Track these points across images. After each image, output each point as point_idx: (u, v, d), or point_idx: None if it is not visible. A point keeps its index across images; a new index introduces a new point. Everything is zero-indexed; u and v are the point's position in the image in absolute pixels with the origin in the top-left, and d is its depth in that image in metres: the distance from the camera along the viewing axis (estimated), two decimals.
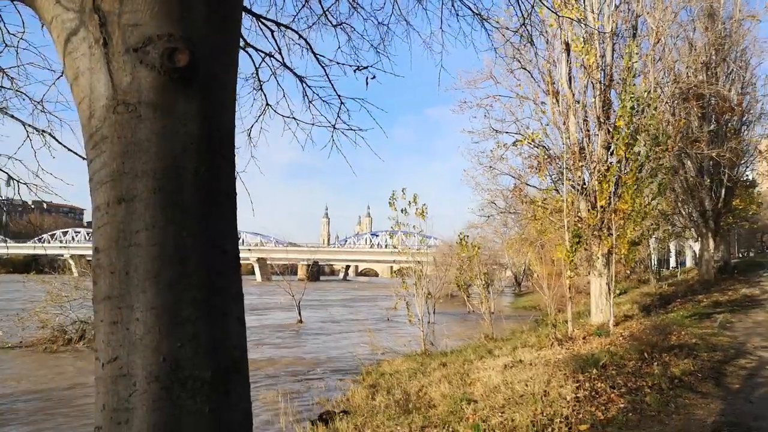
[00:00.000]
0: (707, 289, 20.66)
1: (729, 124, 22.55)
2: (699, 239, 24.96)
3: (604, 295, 14.21)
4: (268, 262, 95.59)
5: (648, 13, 15.50)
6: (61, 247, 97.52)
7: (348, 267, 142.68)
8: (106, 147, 1.70)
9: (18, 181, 3.82)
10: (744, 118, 23.24)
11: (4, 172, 3.70)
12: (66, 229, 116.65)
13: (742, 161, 24.00)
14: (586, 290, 20.66)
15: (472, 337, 17.71)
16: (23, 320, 19.62)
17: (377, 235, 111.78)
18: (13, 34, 3.65)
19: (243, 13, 2.36)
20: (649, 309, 17.04)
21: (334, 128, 4.92)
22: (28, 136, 3.68)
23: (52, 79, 3.61)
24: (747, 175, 27.12)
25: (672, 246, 40.45)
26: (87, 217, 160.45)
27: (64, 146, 3.49)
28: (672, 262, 44.87)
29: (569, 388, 7.98)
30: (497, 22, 5.73)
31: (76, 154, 3.18)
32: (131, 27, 1.70)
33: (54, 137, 3.65)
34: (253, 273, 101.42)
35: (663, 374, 8.46)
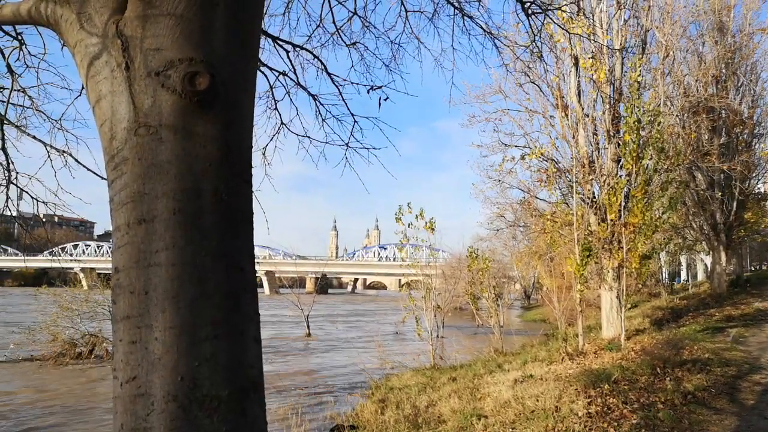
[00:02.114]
0: (719, 303, 20.46)
1: (740, 137, 22.44)
2: (710, 252, 24.77)
3: (615, 309, 14.10)
4: (276, 275, 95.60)
5: (657, 28, 15.55)
6: (71, 260, 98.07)
7: (356, 280, 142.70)
8: (127, 168, 1.73)
9: (36, 200, 3.88)
10: (755, 131, 23.15)
11: (26, 192, 3.76)
12: (77, 243, 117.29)
13: (754, 174, 23.86)
14: (596, 304, 20.50)
15: (482, 351, 17.59)
16: (34, 333, 19.71)
17: (385, 248, 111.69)
18: (35, 56, 3.75)
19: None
20: (660, 323, 16.88)
21: (348, 146, 4.95)
22: (48, 156, 3.74)
23: (70, 99, 3.69)
24: (759, 188, 26.93)
25: (683, 259, 40.15)
26: (98, 230, 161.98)
27: (84, 166, 3.55)
28: (683, 275, 44.49)
29: (581, 403, 7.90)
30: (507, 38, 5.77)
31: (96, 174, 3.23)
32: (153, 51, 1.74)
33: (74, 157, 3.71)
34: (261, 286, 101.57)
35: (676, 390, 8.36)
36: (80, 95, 3.64)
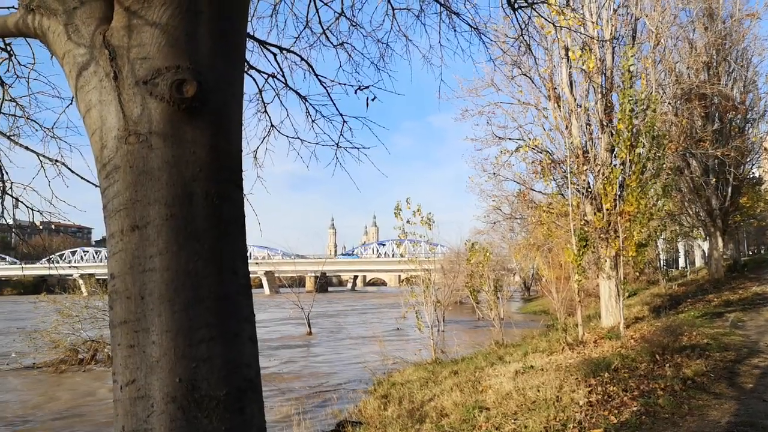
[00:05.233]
0: (717, 288, 20.53)
1: (733, 123, 22.51)
2: (707, 238, 24.84)
3: (614, 297, 14.16)
4: (276, 275, 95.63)
5: (647, 16, 15.58)
6: (70, 266, 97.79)
7: (356, 277, 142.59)
8: (118, 176, 1.76)
9: (32, 209, 3.92)
10: (748, 116, 23.19)
11: (21, 202, 3.79)
12: (74, 249, 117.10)
13: (748, 159, 23.90)
14: (595, 293, 20.58)
15: (483, 344, 17.64)
16: (35, 341, 19.76)
17: (384, 245, 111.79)
18: (24, 66, 3.77)
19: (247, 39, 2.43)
20: (659, 310, 16.96)
21: (338, 146, 4.98)
22: (42, 166, 3.77)
23: (62, 107, 3.72)
24: (753, 173, 26.99)
25: (680, 246, 40.26)
26: (95, 236, 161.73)
27: (77, 174, 3.58)
28: (681, 262, 44.61)
29: (581, 392, 7.96)
30: (495, 30, 5.80)
31: (89, 182, 3.26)
32: (140, 60, 1.77)
33: (67, 166, 3.74)
34: (261, 286, 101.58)
35: (675, 376, 8.41)
36: (71, 103, 3.66)
